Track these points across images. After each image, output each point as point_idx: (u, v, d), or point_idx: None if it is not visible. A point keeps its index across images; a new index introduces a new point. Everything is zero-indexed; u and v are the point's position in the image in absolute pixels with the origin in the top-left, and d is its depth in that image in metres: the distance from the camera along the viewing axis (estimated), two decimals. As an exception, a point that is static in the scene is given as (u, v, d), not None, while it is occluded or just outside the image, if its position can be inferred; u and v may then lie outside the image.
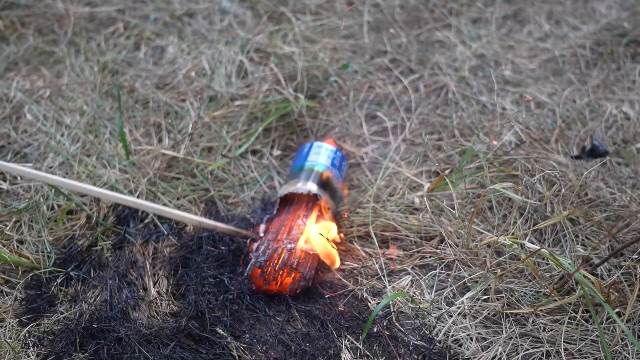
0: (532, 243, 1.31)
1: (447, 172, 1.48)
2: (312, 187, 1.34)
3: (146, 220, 1.41)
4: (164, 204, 1.43)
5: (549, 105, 1.67)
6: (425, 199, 1.40)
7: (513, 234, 1.31)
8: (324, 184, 1.37)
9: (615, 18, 1.99)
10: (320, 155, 1.43)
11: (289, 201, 1.38)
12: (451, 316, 1.19)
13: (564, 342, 1.14)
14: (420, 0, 2.05)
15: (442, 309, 1.20)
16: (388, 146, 1.59)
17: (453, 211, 1.38)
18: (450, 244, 1.30)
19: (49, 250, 1.32)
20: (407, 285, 1.26)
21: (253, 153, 1.58)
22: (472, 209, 1.38)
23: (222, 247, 1.34)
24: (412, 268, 1.30)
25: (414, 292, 1.24)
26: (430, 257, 1.31)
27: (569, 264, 1.13)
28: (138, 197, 1.44)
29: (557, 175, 1.29)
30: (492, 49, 1.88)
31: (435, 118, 1.64)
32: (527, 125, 1.60)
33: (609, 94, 1.72)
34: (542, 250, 1.13)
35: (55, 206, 1.40)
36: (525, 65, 1.83)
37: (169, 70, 1.77)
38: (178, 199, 1.45)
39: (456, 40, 1.91)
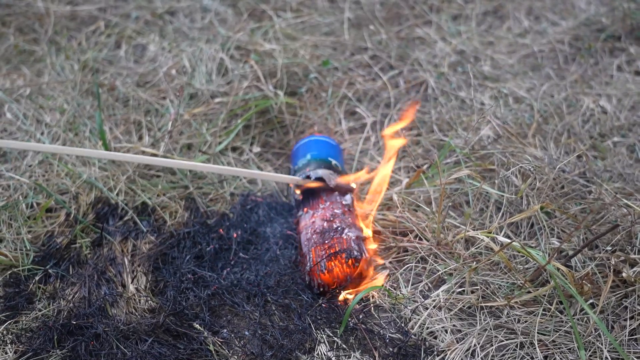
0: (508, 236, 1.33)
1: (425, 167, 1.50)
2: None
3: (125, 218, 1.42)
4: (144, 202, 1.43)
5: (527, 100, 1.69)
6: (402, 194, 1.41)
7: (488, 227, 1.33)
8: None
9: (594, 13, 2.01)
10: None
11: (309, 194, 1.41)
12: (427, 309, 1.20)
13: (537, 333, 1.15)
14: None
15: (417, 302, 1.21)
16: (367, 142, 1.60)
17: (430, 206, 1.39)
18: (425, 238, 1.32)
19: (27, 248, 1.32)
20: (383, 278, 1.27)
21: (233, 150, 1.59)
22: (449, 204, 1.39)
23: (206, 245, 1.35)
24: (390, 262, 1.31)
25: (391, 286, 1.26)
26: (405, 252, 1.32)
27: (541, 256, 1.14)
28: (117, 194, 1.44)
29: (531, 169, 1.31)
30: (472, 45, 1.90)
31: (414, 114, 1.65)
32: (505, 120, 1.61)
33: (587, 89, 1.74)
34: (514, 243, 1.15)
35: (35, 204, 1.41)
36: (504, 60, 1.84)
37: (149, 69, 1.77)
38: (158, 196, 1.45)
39: (436, 36, 1.93)
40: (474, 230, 1.33)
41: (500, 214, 1.36)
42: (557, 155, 1.52)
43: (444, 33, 1.95)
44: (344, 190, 1.36)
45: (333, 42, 1.89)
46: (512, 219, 1.23)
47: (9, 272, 1.28)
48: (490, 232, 1.24)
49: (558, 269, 1.16)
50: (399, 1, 2.04)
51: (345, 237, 1.28)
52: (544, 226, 1.32)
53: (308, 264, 1.27)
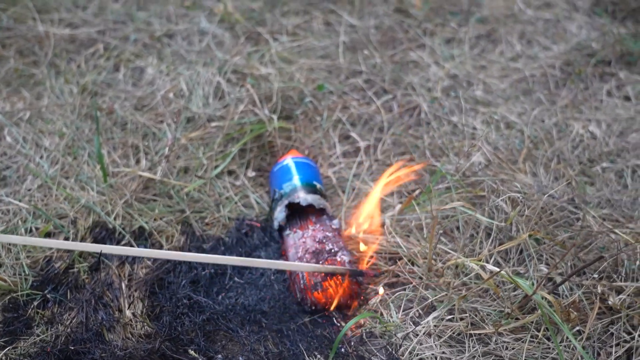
0: (498, 263, 1.36)
1: (417, 192, 1.53)
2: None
3: (123, 242, 1.44)
4: (141, 226, 1.46)
5: (518, 125, 1.72)
6: (394, 220, 1.44)
7: (479, 255, 1.36)
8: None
9: (585, 38, 2.04)
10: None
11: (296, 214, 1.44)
12: (417, 335, 1.22)
13: (525, 360, 1.18)
14: (395, 21, 2.10)
15: (408, 329, 1.24)
16: (360, 166, 1.63)
17: (421, 232, 1.42)
18: (416, 265, 1.34)
19: (26, 272, 1.35)
20: (375, 304, 1.30)
21: (229, 173, 1.62)
22: (440, 230, 1.42)
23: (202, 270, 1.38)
24: (382, 287, 1.34)
25: (382, 312, 1.28)
26: (397, 276, 1.35)
27: (529, 285, 1.17)
28: (115, 219, 1.47)
29: (520, 198, 1.34)
30: (465, 69, 1.93)
31: (407, 138, 1.68)
32: (496, 146, 1.64)
33: (577, 114, 1.77)
34: (502, 272, 1.18)
35: (34, 229, 1.43)
36: (496, 85, 1.88)
37: (147, 92, 1.80)
38: (155, 220, 1.48)
39: (430, 60, 1.96)
40: (464, 256, 1.36)
41: (490, 240, 1.39)
42: (547, 181, 1.55)
43: (437, 57, 1.98)
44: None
45: (328, 66, 1.93)
46: (501, 247, 1.26)
47: (8, 297, 1.30)
48: (479, 260, 1.26)
49: (545, 298, 1.18)
50: (393, 25, 2.08)
51: (339, 259, 1.31)
52: (532, 254, 1.35)
53: (302, 282, 1.30)
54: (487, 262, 1.34)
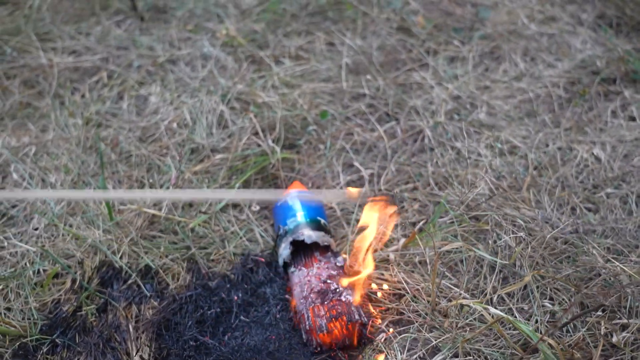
0: (502, 299, 1.36)
1: (421, 223, 1.53)
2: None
3: (129, 281, 1.46)
4: (147, 265, 1.47)
5: (522, 150, 1.71)
6: (398, 255, 1.45)
7: (483, 291, 1.36)
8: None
9: (590, 54, 2.03)
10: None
11: (301, 250, 1.45)
12: (421, 378, 1.24)
13: (529, 403, 1.18)
14: (398, 40, 2.09)
15: (412, 371, 1.25)
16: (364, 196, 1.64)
17: (425, 267, 1.43)
18: (419, 303, 1.35)
19: (35, 317, 1.36)
20: (379, 345, 1.31)
21: (233, 206, 1.63)
22: (443, 267, 1.43)
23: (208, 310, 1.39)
24: (386, 325, 1.35)
25: (387, 353, 1.29)
26: (401, 314, 1.36)
27: (531, 330, 1.17)
28: (121, 258, 1.48)
29: (524, 237, 1.34)
30: (468, 90, 1.92)
31: (410, 166, 1.68)
32: (500, 173, 1.64)
33: (581, 136, 1.77)
34: (506, 315, 1.18)
35: (42, 271, 1.45)
36: (500, 106, 1.87)
37: (151, 122, 1.81)
38: (161, 257, 1.49)
39: (433, 81, 1.96)
40: (467, 293, 1.36)
41: (494, 275, 1.39)
42: (551, 209, 1.55)
43: (440, 77, 1.98)
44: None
45: (331, 89, 1.93)
46: (504, 289, 1.27)
47: (18, 342, 1.32)
48: (482, 302, 1.27)
49: (548, 342, 1.19)
50: (396, 45, 2.07)
51: (344, 299, 1.32)
52: (536, 294, 1.35)
53: (307, 323, 1.31)
54: (491, 300, 1.35)
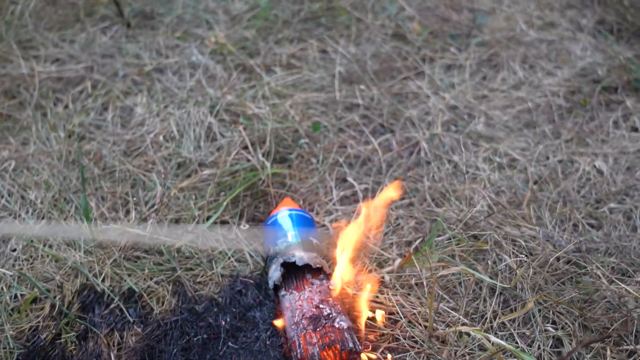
0: (503, 324, 1.30)
1: (418, 241, 1.47)
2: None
3: (112, 306, 1.39)
4: (130, 288, 1.41)
5: (521, 163, 1.65)
6: (394, 277, 1.38)
7: (483, 315, 1.30)
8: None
9: (590, 62, 1.97)
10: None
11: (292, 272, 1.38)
12: (418, 411, 1.17)
13: None
14: (393, 48, 2.02)
15: (409, 404, 1.19)
16: (358, 213, 1.57)
17: (422, 289, 1.36)
18: (416, 328, 1.29)
19: (11, 345, 1.29)
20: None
21: (222, 223, 1.56)
22: (439, 289, 1.36)
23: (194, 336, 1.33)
24: (382, 352, 1.29)
25: (382, 383, 1.23)
26: (397, 340, 1.29)
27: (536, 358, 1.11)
28: (103, 280, 1.42)
29: (524, 259, 1.28)
30: (466, 100, 1.86)
31: (406, 181, 1.62)
32: (499, 188, 1.58)
33: (582, 148, 1.70)
34: (508, 346, 1.12)
35: (19, 295, 1.38)
36: (498, 117, 1.81)
37: (137, 135, 1.74)
38: (145, 280, 1.43)
39: (429, 91, 1.89)
40: (466, 317, 1.30)
41: (494, 298, 1.33)
42: (552, 227, 1.49)
43: (436, 86, 1.91)
44: None
45: (324, 99, 1.86)
46: (506, 317, 1.20)
47: (-8, 374, 1.26)
48: (482, 330, 1.21)
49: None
50: (391, 53, 2.00)
51: (337, 326, 1.26)
52: (537, 315, 1.29)
53: (298, 351, 1.24)
54: (491, 326, 1.29)
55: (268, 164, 1.60)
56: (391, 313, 1.34)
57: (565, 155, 1.67)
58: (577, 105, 1.83)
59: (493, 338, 1.16)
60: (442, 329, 1.28)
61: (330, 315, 1.28)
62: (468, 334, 1.23)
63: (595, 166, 1.65)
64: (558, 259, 1.39)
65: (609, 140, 1.73)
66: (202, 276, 1.45)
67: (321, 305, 1.30)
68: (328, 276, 1.38)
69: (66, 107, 1.84)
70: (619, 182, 1.61)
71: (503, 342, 1.13)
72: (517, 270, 1.32)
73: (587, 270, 1.37)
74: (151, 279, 1.43)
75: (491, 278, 1.35)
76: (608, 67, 1.93)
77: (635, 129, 1.77)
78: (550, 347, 1.26)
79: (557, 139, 1.73)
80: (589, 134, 1.75)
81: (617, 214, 1.54)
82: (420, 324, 1.30)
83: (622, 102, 1.84)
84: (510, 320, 1.31)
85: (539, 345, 1.26)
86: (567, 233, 1.48)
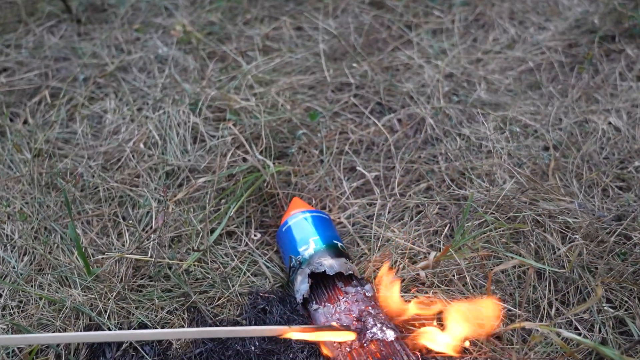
0: (557, 310, 1.20)
1: (446, 229, 1.35)
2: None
3: (124, 346, 1.23)
4: (141, 322, 1.25)
5: (535, 129, 1.55)
6: (430, 272, 1.26)
7: (534, 303, 1.20)
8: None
9: (581, 11, 1.87)
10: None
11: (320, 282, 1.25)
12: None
13: None
14: (375, 19, 1.88)
15: (480, 415, 1.08)
16: (374, 204, 1.44)
17: (462, 280, 1.25)
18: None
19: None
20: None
21: (229, 235, 1.41)
22: (480, 278, 1.25)
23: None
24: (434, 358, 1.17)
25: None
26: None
27: (618, 355, 1.01)
28: (108, 318, 1.25)
29: (577, 239, 1.18)
30: (461, 66, 1.74)
31: (419, 163, 1.49)
32: (519, 159, 1.47)
33: (593, 105, 1.61)
34: (589, 342, 1.02)
35: (17, 350, 1.20)
36: (500, 81, 1.69)
37: (113, 145, 1.56)
38: (156, 311, 1.27)
39: (421, 60, 1.76)
40: (519, 308, 1.20)
41: (545, 283, 1.23)
42: (583, 195, 1.40)
43: (427, 54, 1.78)
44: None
45: (311, 82, 1.71)
46: (575, 310, 1.10)
47: None
48: (547, 322, 1.11)
49: None
50: (374, 24, 1.86)
51: (386, 338, 1.14)
52: (592, 289, 1.20)
53: None
54: (549, 314, 1.19)
55: (270, 163, 1.44)
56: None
57: (579, 115, 1.58)
58: (578, 59, 1.73)
59: (565, 333, 1.05)
60: (497, 325, 1.18)
61: (375, 327, 1.16)
62: (536, 330, 1.13)
63: (610, 123, 1.57)
64: (597, 230, 1.30)
65: (618, 93, 1.65)
66: (218, 298, 1.30)
67: (362, 318, 1.17)
68: (361, 281, 1.25)
69: (26, 122, 1.63)
70: (637, 137, 1.53)
71: (579, 337, 1.03)
72: (568, 253, 1.22)
73: (632, 239, 1.29)
74: (163, 309, 1.28)
75: (537, 262, 1.25)
76: (600, 15, 1.83)
77: (642, 78, 1.69)
78: (612, 329, 1.17)
79: (565, 97, 1.64)
80: (596, 89, 1.66)
81: (643, 172, 1.46)
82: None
83: (622, 50, 1.75)
84: (563, 304, 1.21)
85: (599, 329, 1.17)
86: (597, 200, 1.39)
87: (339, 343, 1.15)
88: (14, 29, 1.89)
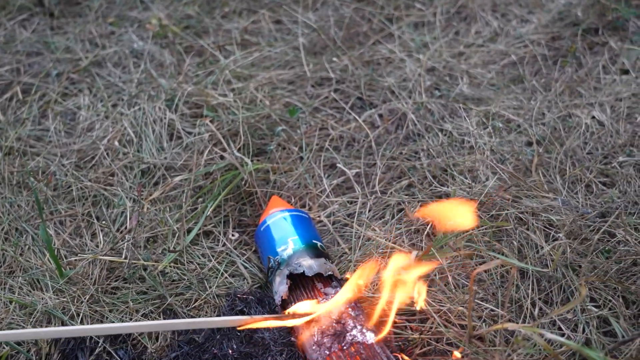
0: (540, 310, 1.18)
1: (428, 228, 1.33)
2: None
3: (97, 350, 1.19)
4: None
5: (518, 124, 1.52)
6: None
7: (517, 303, 1.18)
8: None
9: (564, 3, 1.84)
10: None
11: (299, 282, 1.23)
12: None
13: None
14: (356, 12, 1.84)
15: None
16: (355, 202, 1.41)
17: (444, 280, 1.23)
18: (449, 329, 1.15)
19: (-13, 421, 1.09)
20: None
21: (206, 235, 1.38)
22: (462, 278, 1.23)
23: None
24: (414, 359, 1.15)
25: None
26: (429, 347, 1.15)
27: (603, 358, 0.99)
28: (81, 322, 1.21)
29: (562, 238, 1.16)
30: (443, 60, 1.71)
31: (401, 161, 1.46)
32: (502, 155, 1.45)
33: (577, 99, 1.59)
34: (574, 344, 1.00)
35: (-16, 357, 1.17)
36: (482, 75, 1.67)
37: (87, 142, 1.51)
38: (131, 314, 1.23)
39: (402, 54, 1.73)
40: (500, 307, 1.18)
41: (527, 282, 1.21)
42: (566, 192, 1.38)
43: (409, 48, 1.75)
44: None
45: (291, 76, 1.67)
46: (558, 310, 1.07)
47: None
48: (529, 323, 1.08)
49: None
50: (355, 17, 1.82)
51: (366, 340, 1.11)
52: (576, 289, 1.18)
53: None
54: (532, 314, 1.17)
55: (248, 161, 1.41)
56: (414, 312, 1.20)
57: (562, 109, 1.56)
58: (562, 52, 1.71)
59: (549, 334, 1.03)
60: (479, 325, 1.15)
61: (355, 329, 1.13)
62: (518, 331, 1.11)
63: (594, 117, 1.54)
64: (581, 227, 1.28)
65: (602, 87, 1.63)
66: (195, 300, 1.27)
67: (342, 319, 1.15)
68: (341, 282, 1.22)
69: (-4, 119, 1.59)
70: (622, 132, 1.51)
71: (562, 339, 1.01)
72: (552, 252, 1.20)
73: (617, 236, 1.27)
74: (137, 312, 1.24)
75: (520, 261, 1.22)
76: (583, 7, 1.81)
77: (625, 71, 1.67)
78: (596, 329, 1.15)
79: (548, 91, 1.61)
80: (579, 82, 1.64)
81: (627, 167, 1.44)
82: (452, 324, 1.17)
83: (605, 43, 1.73)
84: (546, 303, 1.19)
85: (583, 329, 1.16)
86: (581, 196, 1.37)
87: (318, 346, 1.12)
88: (-16, 23, 1.84)
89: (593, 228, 1.29)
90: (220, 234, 1.37)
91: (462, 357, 1.10)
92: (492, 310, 1.18)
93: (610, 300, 1.19)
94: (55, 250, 1.31)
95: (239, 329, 1.14)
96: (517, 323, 1.14)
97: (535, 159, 1.43)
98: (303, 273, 1.20)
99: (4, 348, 1.16)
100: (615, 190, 1.39)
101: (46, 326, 1.21)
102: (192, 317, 1.25)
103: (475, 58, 1.71)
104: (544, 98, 1.59)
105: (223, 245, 1.35)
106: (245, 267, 1.32)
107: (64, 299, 1.23)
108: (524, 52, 1.72)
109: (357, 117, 1.54)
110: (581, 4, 1.82)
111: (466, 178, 1.40)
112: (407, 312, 1.19)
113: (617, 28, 1.77)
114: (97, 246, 1.34)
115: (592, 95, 1.60)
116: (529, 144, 1.48)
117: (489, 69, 1.69)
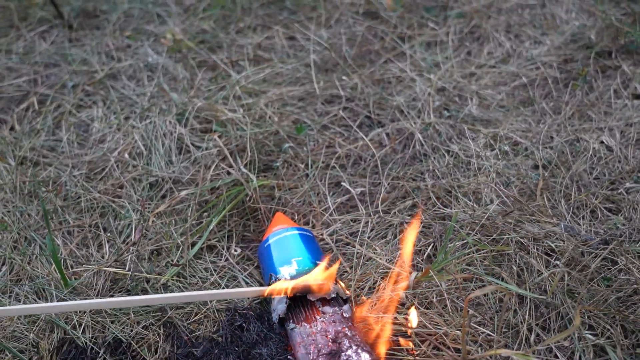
0: (538, 336, 1.18)
1: (429, 249, 1.33)
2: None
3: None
4: (115, 337, 1.23)
5: (526, 147, 1.52)
6: (411, 293, 1.24)
7: (514, 329, 1.17)
8: None
9: (578, 25, 1.84)
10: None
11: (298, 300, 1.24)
12: None
13: None
14: (369, 31, 1.86)
15: None
16: (358, 221, 1.42)
17: (442, 303, 1.23)
18: (443, 352, 1.15)
19: None
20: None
21: (209, 249, 1.39)
22: (461, 301, 1.23)
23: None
24: (409, 382, 1.15)
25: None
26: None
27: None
28: (83, 332, 1.24)
29: (560, 266, 1.15)
30: (453, 80, 1.71)
31: (406, 180, 1.47)
32: (508, 178, 1.45)
33: (586, 123, 1.58)
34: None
35: (-13, 364, 1.19)
36: (492, 96, 1.67)
37: (98, 154, 1.55)
38: (131, 326, 1.25)
39: (413, 73, 1.74)
40: (497, 333, 1.17)
41: (525, 307, 1.21)
42: (570, 217, 1.37)
43: (420, 67, 1.76)
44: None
45: (301, 93, 1.69)
46: (554, 338, 1.07)
47: None
48: (523, 350, 1.08)
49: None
50: (367, 35, 1.84)
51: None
52: (574, 316, 1.17)
53: None
54: (528, 341, 1.16)
55: (253, 177, 1.42)
56: (410, 334, 1.21)
57: (570, 133, 1.55)
58: (573, 75, 1.70)
59: (541, 363, 1.03)
60: (474, 350, 1.15)
61: (350, 349, 1.14)
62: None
63: (603, 142, 1.54)
64: (583, 254, 1.28)
65: (612, 111, 1.62)
66: (195, 314, 1.28)
67: (338, 340, 1.15)
68: (339, 302, 1.23)
69: (12, 129, 1.63)
70: (630, 158, 1.50)
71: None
72: (550, 279, 1.20)
73: (618, 264, 1.26)
74: (138, 323, 1.26)
75: (519, 286, 1.22)
76: (597, 29, 1.80)
77: (637, 96, 1.66)
78: (593, 358, 1.15)
79: (557, 115, 1.61)
80: (590, 106, 1.63)
81: (634, 194, 1.43)
82: (447, 347, 1.17)
83: (618, 67, 1.72)
84: (544, 329, 1.19)
85: (579, 357, 1.15)
86: (585, 222, 1.37)
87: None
88: (6, 34, 1.88)
89: (595, 255, 1.28)
90: (223, 249, 1.39)
91: None
92: (489, 335, 1.18)
93: (608, 329, 1.18)
94: (62, 260, 1.34)
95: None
96: (513, 349, 1.14)
97: (540, 182, 1.42)
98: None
99: (5, 355, 1.19)
100: (620, 217, 1.38)
101: (49, 335, 1.23)
102: (192, 331, 1.27)
103: (486, 79, 1.72)
104: (552, 121, 1.58)
105: (226, 260, 1.37)
106: (247, 283, 1.34)
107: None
108: (535, 74, 1.72)
109: (364, 137, 1.55)
110: (595, 27, 1.81)
111: (470, 200, 1.40)
112: (403, 334, 1.20)
113: (631, 52, 1.76)
114: (103, 257, 1.36)
115: (602, 119, 1.59)
116: (535, 167, 1.48)
117: (499, 90, 1.69)
